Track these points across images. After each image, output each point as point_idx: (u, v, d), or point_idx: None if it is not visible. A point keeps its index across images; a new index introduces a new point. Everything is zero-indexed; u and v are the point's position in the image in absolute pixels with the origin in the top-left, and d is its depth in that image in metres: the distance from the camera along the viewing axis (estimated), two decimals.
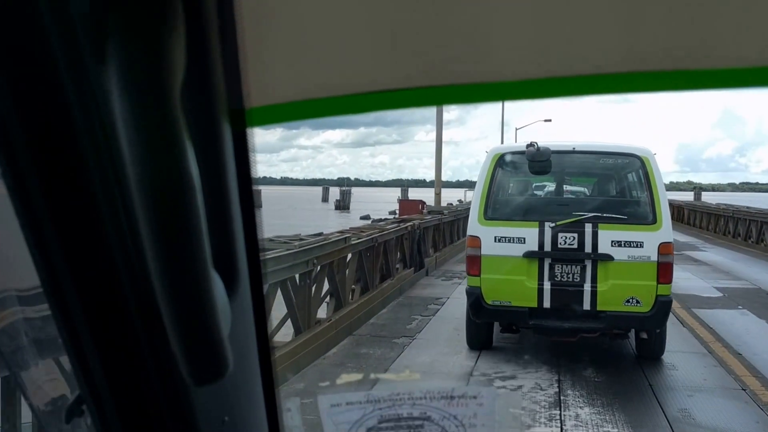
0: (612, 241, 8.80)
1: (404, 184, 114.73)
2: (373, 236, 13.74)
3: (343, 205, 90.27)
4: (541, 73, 0.99)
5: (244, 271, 0.81)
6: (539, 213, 9.35)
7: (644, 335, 9.48)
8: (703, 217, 35.07)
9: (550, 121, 61.05)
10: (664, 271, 8.73)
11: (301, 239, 11.32)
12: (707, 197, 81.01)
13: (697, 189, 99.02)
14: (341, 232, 13.95)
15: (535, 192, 12.90)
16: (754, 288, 15.95)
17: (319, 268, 10.72)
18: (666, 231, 8.75)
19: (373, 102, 1.05)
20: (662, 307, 8.78)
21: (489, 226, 9.17)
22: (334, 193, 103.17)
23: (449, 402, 1.16)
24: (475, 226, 9.26)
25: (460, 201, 48.81)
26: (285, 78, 1.05)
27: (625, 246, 8.78)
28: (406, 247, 16.75)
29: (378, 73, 1.03)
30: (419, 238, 17.73)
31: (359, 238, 13.07)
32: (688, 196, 79.25)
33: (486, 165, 9.37)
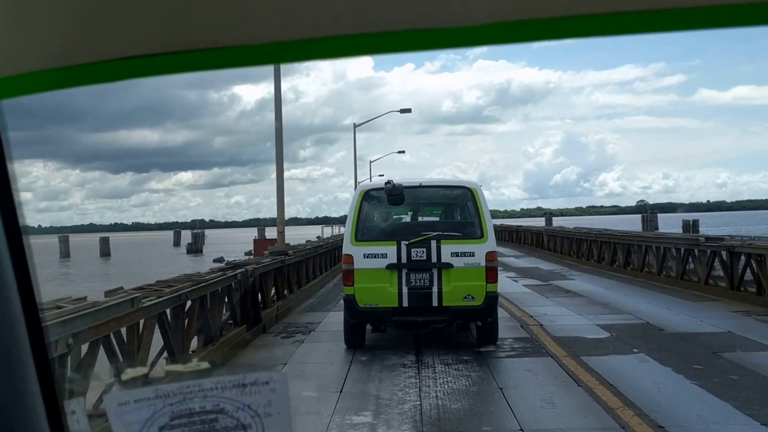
0: (451, 253, 11.34)
1: (261, 224, 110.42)
2: (181, 291, 10.48)
3: (195, 248, 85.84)
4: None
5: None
6: (397, 234, 11.83)
7: (479, 323, 11.82)
8: (564, 242, 33.88)
9: (403, 152, 60.95)
10: (491, 274, 11.33)
11: (59, 307, 7.87)
12: (559, 221, 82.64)
13: (548, 214, 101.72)
14: (141, 287, 10.60)
15: (394, 218, 14.64)
16: (641, 323, 13.88)
17: (87, 346, 7.46)
18: (491, 243, 11.40)
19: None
20: (491, 300, 11.35)
21: (359, 246, 11.53)
22: (187, 236, 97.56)
23: (242, 390, 1.13)
24: (348, 246, 11.59)
25: (318, 237, 46.39)
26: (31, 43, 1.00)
27: (461, 256, 11.29)
28: (241, 298, 13.58)
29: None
30: (254, 286, 14.58)
31: (159, 297, 9.80)
32: (540, 222, 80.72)
33: (355, 199, 11.88)
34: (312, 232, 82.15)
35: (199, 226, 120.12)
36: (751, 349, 11.06)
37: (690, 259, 19.60)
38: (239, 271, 14.00)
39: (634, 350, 11.35)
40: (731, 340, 11.79)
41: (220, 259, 52.73)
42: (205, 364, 1.34)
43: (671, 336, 12.46)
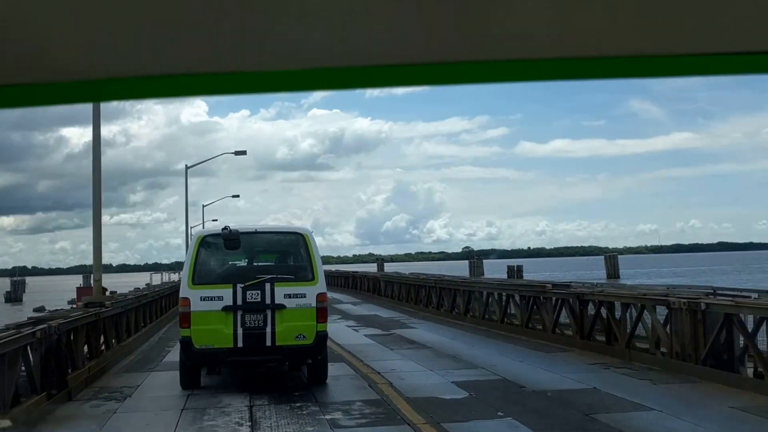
0: (284, 294, 11.58)
1: (87, 270, 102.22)
2: None
3: (15, 297, 78.80)
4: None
5: None
6: (233, 277, 11.88)
7: (310, 361, 12.04)
8: (401, 288, 32.88)
9: (238, 197, 58.72)
10: (321, 314, 11.66)
11: None
12: (390, 267, 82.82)
13: (380, 260, 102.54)
14: None
15: (231, 262, 13.92)
16: (498, 379, 12.64)
17: None
18: (321, 285, 11.77)
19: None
20: (321, 339, 11.61)
21: (196, 289, 11.60)
22: (5, 284, 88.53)
23: None
24: (185, 289, 11.67)
25: (147, 285, 42.84)
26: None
27: (293, 297, 11.58)
28: (42, 360, 10.98)
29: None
30: (58, 344, 11.94)
31: None
32: (372, 267, 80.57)
33: (192, 244, 12.18)
34: (142, 279, 76.84)
35: (18, 273, 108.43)
36: (625, 408, 10.02)
37: (535, 307, 18.90)
38: (40, 327, 11.38)
39: (500, 413, 10.02)
40: (600, 399, 10.75)
41: (40, 309, 47.59)
42: (6, 422, 1.20)
43: (535, 394, 11.27)
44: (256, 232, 12.82)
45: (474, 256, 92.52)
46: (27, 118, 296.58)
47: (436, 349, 16.83)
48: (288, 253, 13.96)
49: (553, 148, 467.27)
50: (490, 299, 22.11)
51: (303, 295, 11.63)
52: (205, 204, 60.32)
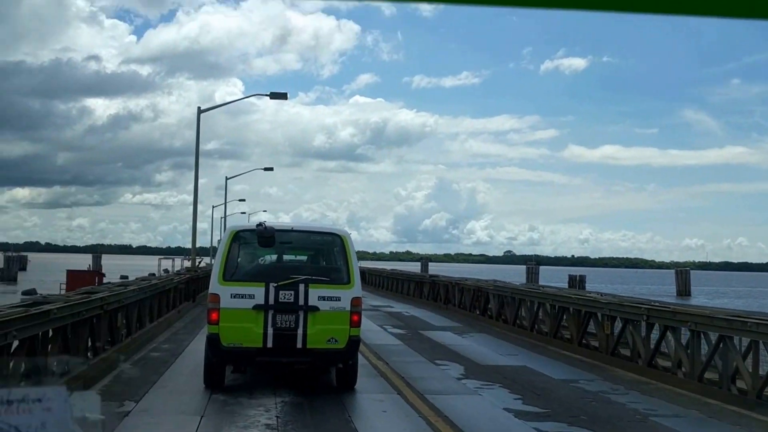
0: (319, 296, 11.43)
1: (97, 250, 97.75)
2: None
3: (8, 276, 70.37)
4: None
5: None
6: (266, 275, 11.81)
7: (341, 366, 11.80)
8: (478, 298, 27.90)
9: (271, 169, 55.15)
10: (355, 318, 11.50)
11: None
12: (432, 268, 77.75)
13: (424, 260, 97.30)
14: None
15: (264, 260, 13.91)
16: None
17: None
18: (357, 289, 11.63)
19: None
20: (353, 344, 11.49)
21: (226, 285, 11.39)
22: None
23: (8, 408, 0.95)
24: (215, 285, 11.47)
25: (166, 270, 38.51)
26: None
27: (327, 300, 11.43)
28: None
29: None
30: None
31: None
32: (411, 267, 75.50)
33: (225, 238, 12.04)
34: (165, 263, 72.98)
35: (13, 249, 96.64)
36: None
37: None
38: None
39: None
40: None
41: (30, 291, 43.59)
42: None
43: None
44: (292, 230, 12.65)
45: (533, 262, 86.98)
46: (49, 86, 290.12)
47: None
48: (324, 254, 13.54)
49: (603, 154, 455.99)
50: (589, 318, 17.02)
51: (338, 298, 11.44)
52: (228, 176, 56.21)
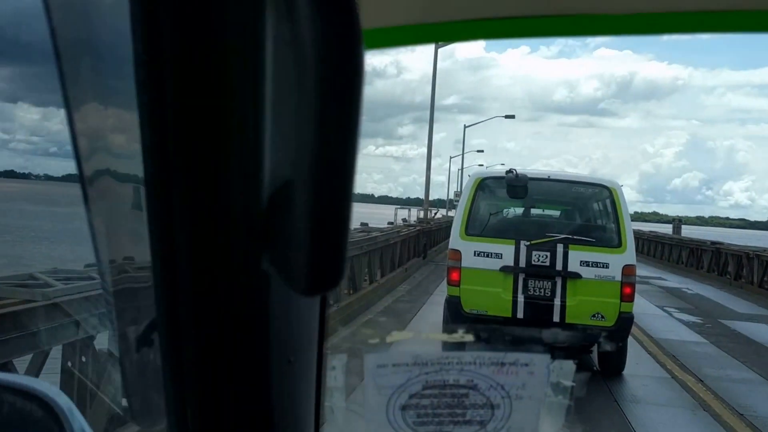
0: (581, 261, 9.83)
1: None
2: None
3: None
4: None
5: None
6: (516, 232, 10.34)
7: (608, 347, 10.00)
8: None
9: (513, 117, 54.76)
10: (627, 290, 9.76)
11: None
12: (684, 231, 72.16)
13: (677, 221, 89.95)
14: None
15: (513, 213, 12.46)
16: None
17: None
18: (630, 254, 9.87)
19: (483, 29, 1.14)
20: (625, 322, 9.81)
21: (469, 241, 10.18)
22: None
23: (499, 369, 1.08)
24: (456, 240, 10.29)
25: (390, 223, 39.18)
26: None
27: (592, 266, 9.80)
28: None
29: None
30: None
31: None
32: (660, 228, 70.17)
33: (468, 187, 10.57)
34: (401, 213, 74.83)
35: None
36: None
37: None
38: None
39: None
40: None
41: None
42: (469, 336, 1.19)
43: None
44: (548, 179, 10.80)
45: None
46: None
47: None
48: (587, 209, 11.61)
49: None
50: None
51: (605, 265, 9.80)
52: (467, 125, 57.73)
